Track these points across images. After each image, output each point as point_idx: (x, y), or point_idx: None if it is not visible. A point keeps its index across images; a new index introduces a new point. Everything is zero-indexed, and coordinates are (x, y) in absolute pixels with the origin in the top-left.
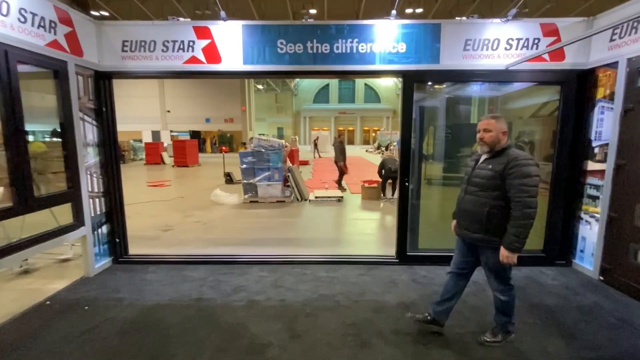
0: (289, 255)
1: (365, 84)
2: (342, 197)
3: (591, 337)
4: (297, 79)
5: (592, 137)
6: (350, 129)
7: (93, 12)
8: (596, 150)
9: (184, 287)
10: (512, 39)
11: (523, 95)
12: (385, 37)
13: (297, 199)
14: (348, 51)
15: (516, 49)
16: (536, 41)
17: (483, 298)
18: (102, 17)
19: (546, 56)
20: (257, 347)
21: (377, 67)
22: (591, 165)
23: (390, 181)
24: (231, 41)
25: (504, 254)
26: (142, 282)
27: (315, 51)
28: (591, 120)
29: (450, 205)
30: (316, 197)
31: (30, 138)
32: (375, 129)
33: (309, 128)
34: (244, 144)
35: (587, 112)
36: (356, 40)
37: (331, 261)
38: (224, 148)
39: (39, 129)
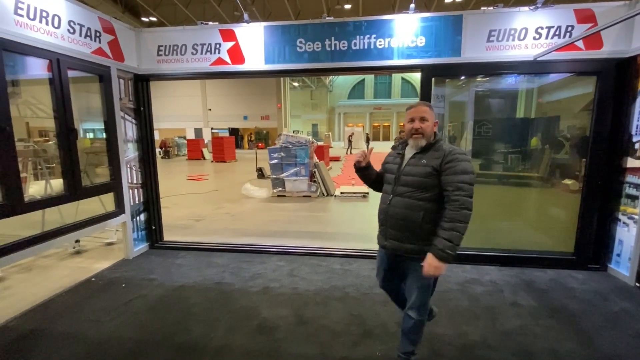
0: (308, 247)
1: (402, 78)
2: (367, 192)
3: (611, 345)
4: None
5: (633, 132)
6: (386, 124)
7: (143, 19)
8: (637, 146)
9: (208, 271)
10: (542, 28)
11: (568, 86)
12: (404, 32)
13: (323, 194)
14: (366, 47)
15: (546, 38)
16: (570, 29)
17: (498, 299)
18: (151, 23)
19: (581, 45)
20: (266, 329)
21: (395, 62)
22: (631, 162)
23: None
24: (254, 42)
25: (432, 263)
26: (172, 265)
27: (333, 48)
28: (632, 113)
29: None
30: (342, 193)
31: (90, 135)
32: None
33: (344, 124)
34: None
35: (627, 104)
36: (374, 36)
37: (348, 255)
38: (260, 144)
39: (98, 127)
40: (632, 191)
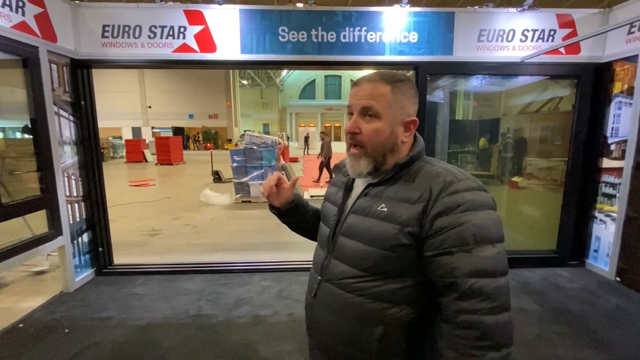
0: (293, 262)
1: (351, 80)
2: None
3: (624, 345)
4: (283, 74)
5: (608, 134)
6: (337, 125)
7: None
8: (612, 147)
9: (179, 301)
10: (528, 30)
11: (527, 91)
12: (396, 26)
13: None
14: (356, 40)
15: (532, 40)
16: (552, 32)
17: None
18: None
19: (562, 49)
20: None
21: (387, 58)
22: (607, 163)
23: None
24: (227, 28)
25: None
26: (130, 296)
27: (320, 40)
28: (607, 116)
29: None
30: (312, 197)
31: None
32: None
33: (296, 124)
34: (230, 140)
35: (603, 107)
36: (365, 28)
37: None
38: (208, 145)
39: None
40: (608, 190)
